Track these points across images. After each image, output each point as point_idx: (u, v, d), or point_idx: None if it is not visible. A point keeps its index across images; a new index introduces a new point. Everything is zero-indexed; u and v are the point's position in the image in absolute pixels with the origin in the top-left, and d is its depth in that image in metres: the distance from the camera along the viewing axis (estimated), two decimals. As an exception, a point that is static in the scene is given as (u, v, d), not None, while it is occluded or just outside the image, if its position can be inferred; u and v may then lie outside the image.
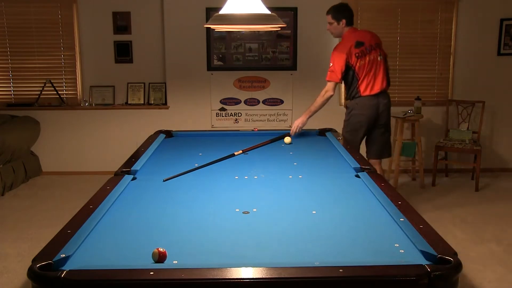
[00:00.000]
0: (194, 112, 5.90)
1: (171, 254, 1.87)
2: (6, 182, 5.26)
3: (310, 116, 4.26)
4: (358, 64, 4.17)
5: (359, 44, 4.19)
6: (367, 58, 4.19)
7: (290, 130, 4.23)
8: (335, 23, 4.25)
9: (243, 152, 3.58)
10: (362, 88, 4.22)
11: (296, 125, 4.19)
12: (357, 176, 2.97)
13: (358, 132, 4.29)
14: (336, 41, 5.04)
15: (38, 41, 5.85)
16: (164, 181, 2.90)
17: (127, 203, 2.54)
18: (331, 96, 4.24)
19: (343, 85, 5.17)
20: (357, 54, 4.16)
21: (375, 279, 1.69)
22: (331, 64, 4.19)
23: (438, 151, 5.55)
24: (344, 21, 4.23)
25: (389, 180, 5.49)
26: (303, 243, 2.06)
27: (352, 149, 3.61)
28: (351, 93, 4.31)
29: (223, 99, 5.90)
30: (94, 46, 5.88)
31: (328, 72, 4.22)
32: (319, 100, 4.25)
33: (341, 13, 4.25)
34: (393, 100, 5.86)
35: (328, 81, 4.23)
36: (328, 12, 4.29)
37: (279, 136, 4.05)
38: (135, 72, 5.92)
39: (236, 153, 3.52)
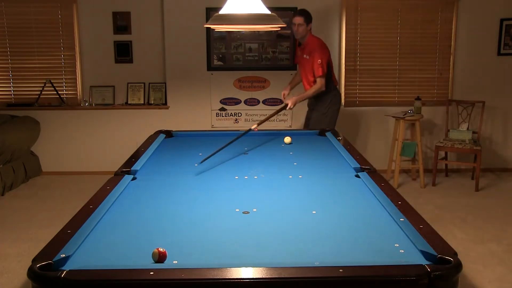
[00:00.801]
0: (194, 112, 5.90)
1: (171, 254, 1.88)
2: (6, 182, 5.26)
3: (301, 100, 4.76)
4: (330, 60, 4.86)
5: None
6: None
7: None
8: (304, 26, 4.73)
9: (258, 125, 3.96)
10: (334, 81, 4.96)
11: (294, 102, 4.60)
12: (357, 176, 2.97)
13: (335, 122, 4.86)
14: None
15: (38, 41, 5.85)
16: (201, 162, 3.20)
17: (127, 203, 2.54)
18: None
19: (343, 89, 5.39)
20: (329, 52, 4.84)
21: (375, 279, 1.70)
22: (320, 60, 4.66)
23: (438, 151, 5.55)
24: (310, 24, 4.78)
25: (389, 180, 5.49)
26: (303, 243, 2.06)
27: (352, 149, 3.61)
28: (329, 87, 4.83)
29: (223, 99, 5.90)
30: (94, 46, 5.88)
31: (320, 68, 4.68)
32: (314, 91, 4.73)
33: (310, 17, 4.77)
34: (393, 100, 5.92)
35: (320, 76, 4.69)
36: (300, 14, 4.76)
37: (281, 107, 4.56)
38: (135, 72, 5.92)
39: (253, 128, 3.92)
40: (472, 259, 3.69)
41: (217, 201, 2.58)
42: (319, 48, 4.71)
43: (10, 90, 5.98)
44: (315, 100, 4.90)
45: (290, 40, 5.77)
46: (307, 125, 5.10)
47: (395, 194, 2.58)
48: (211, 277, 1.68)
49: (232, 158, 3.47)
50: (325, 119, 4.78)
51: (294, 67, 5.81)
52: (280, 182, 2.93)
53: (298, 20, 4.72)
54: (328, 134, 4.19)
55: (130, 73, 5.92)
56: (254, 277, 1.68)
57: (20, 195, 5.28)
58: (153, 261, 1.83)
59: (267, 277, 1.68)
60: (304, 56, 4.83)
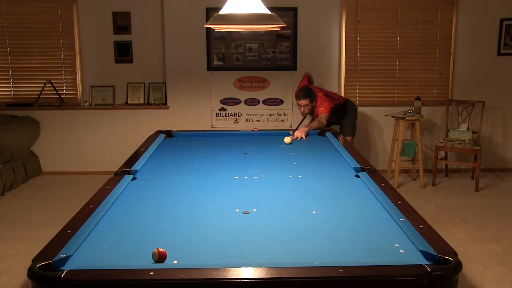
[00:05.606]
0: (194, 112, 5.89)
1: (171, 254, 1.88)
2: (6, 182, 5.26)
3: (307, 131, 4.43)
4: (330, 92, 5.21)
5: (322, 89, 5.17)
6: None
7: (289, 130, 4.31)
8: (310, 104, 4.83)
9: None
10: (341, 97, 5.35)
11: (301, 133, 4.23)
12: (357, 176, 2.97)
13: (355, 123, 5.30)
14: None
15: (38, 41, 5.85)
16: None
17: (127, 203, 2.54)
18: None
19: (343, 89, 5.40)
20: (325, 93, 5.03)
21: (375, 279, 1.70)
22: (326, 108, 4.79)
23: (438, 151, 5.54)
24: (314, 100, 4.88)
25: (389, 180, 5.49)
26: (303, 243, 2.06)
27: (352, 149, 3.62)
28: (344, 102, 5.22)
29: (223, 99, 5.90)
30: (94, 46, 5.88)
31: (325, 112, 4.77)
32: (317, 126, 4.52)
33: (314, 94, 4.87)
34: (393, 100, 5.93)
35: (323, 113, 4.74)
36: (305, 97, 4.81)
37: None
38: (135, 72, 5.92)
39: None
40: (472, 259, 3.69)
41: (217, 201, 2.58)
42: (324, 101, 4.85)
43: (10, 90, 5.98)
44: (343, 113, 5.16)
45: (290, 40, 5.77)
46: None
47: (395, 194, 2.58)
48: (211, 277, 1.68)
49: (232, 158, 3.47)
50: (352, 121, 5.17)
51: (294, 67, 5.81)
52: (280, 182, 2.93)
53: (304, 102, 4.81)
54: (328, 134, 4.20)
55: (130, 73, 5.92)
56: (254, 277, 1.68)
57: (20, 195, 5.28)
58: (153, 261, 1.83)
59: (267, 277, 1.68)
60: (316, 111, 4.91)
